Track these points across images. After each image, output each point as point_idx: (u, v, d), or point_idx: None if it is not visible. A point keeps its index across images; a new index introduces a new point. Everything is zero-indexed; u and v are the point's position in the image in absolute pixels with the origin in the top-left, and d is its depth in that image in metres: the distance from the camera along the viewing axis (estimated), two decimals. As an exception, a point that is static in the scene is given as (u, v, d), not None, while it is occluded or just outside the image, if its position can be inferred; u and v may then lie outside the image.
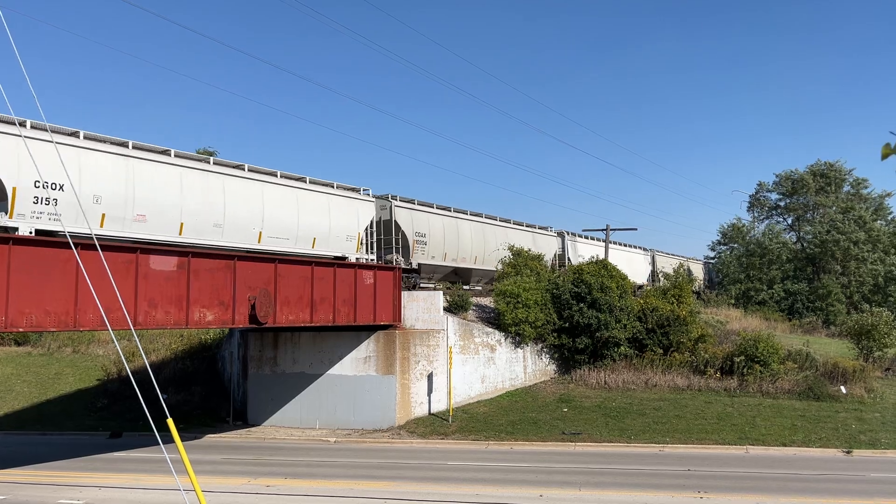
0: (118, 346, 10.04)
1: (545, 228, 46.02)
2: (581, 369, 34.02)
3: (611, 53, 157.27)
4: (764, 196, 69.16)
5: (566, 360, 34.82)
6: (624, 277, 36.11)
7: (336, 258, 28.14)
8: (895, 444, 25.22)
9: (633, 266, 54.16)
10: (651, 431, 27.27)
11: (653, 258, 61.79)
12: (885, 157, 3.14)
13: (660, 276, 57.03)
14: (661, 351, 34.39)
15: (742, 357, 31.93)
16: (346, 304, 28.00)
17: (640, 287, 51.85)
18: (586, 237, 51.77)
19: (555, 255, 45.89)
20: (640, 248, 60.09)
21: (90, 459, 25.15)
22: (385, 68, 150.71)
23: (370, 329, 30.19)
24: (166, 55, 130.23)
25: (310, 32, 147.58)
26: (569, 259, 46.95)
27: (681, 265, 61.11)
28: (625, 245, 56.79)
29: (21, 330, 18.95)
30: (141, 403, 9.25)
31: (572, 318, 33.62)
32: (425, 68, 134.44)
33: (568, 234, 48.94)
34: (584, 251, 48.42)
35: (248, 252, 24.43)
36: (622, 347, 33.84)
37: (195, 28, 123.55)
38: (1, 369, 39.61)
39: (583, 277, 34.32)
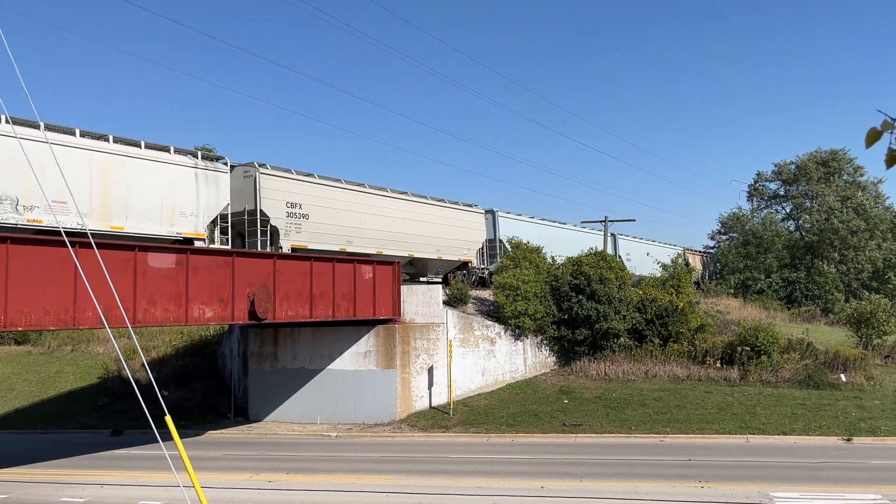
0: (116, 345, 10.05)
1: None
2: (581, 361, 34.06)
3: (606, 41, 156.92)
4: (763, 185, 69.13)
5: (566, 352, 34.85)
6: (623, 268, 36.11)
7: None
8: (895, 431, 25.29)
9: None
10: (651, 422, 27.32)
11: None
12: (869, 144, 3.05)
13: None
14: (660, 342, 34.41)
15: (745, 347, 31.95)
16: (346, 298, 28.02)
17: None
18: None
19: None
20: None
21: (92, 457, 25.18)
22: (353, 51, 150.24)
23: (370, 323, 30.21)
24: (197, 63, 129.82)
25: (289, 20, 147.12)
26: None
27: (678, 255, 61.40)
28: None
29: (20, 329, 18.98)
30: (140, 401, 9.25)
31: (571, 309, 33.63)
32: (411, 55, 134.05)
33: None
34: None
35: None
36: (622, 339, 33.86)
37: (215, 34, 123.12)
38: (1, 368, 39.64)
39: (581, 269, 34.31)
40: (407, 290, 31.26)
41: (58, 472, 22.33)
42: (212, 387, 35.07)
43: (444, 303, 31.97)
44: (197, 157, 23.60)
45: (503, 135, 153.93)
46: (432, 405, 30.47)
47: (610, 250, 49.08)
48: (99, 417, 32.74)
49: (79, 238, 17.00)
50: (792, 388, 30.17)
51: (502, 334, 33.41)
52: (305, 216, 26.98)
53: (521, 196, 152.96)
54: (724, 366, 32.17)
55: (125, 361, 10.63)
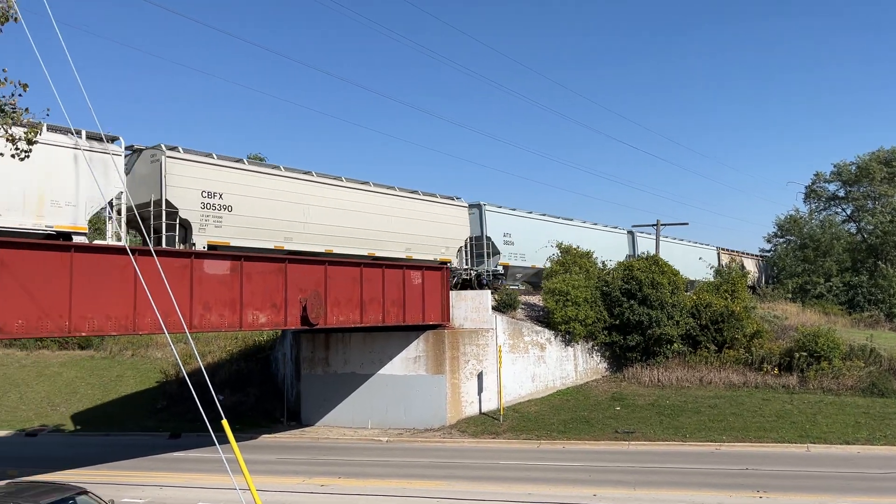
0: (174, 350, 10.33)
1: (615, 228, 47.67)
2: (633, 367, 33.59)
3: (653, 41, 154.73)
4: (821, 186, 67.11)
5: (618, 358, 34.42)
6: (676, 273, 35.47)
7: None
8: (966, 441, 24.19)
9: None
10: (707, 430, 26.74)
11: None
12: None
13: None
14: (715, 348, 33.69)
15: (804, 353, 31.01)
16: (395, 304, 28.23)
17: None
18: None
19: (626, 255, 46.22)
20: (703, 244, 60.27)
21: (151, 459, 25.89)
22: (397, 57, 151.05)
23: (419, 329, 30.36)
24: (229, 67, 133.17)
25: (322, 23, 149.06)
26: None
27: (732, 259, 59.58)
28: (691, 242, 56.96)
29: (84, 334, 19.63)
30: (197, 405, 9.48)
31: (623, 315, 33.21)
32: (450, 57, 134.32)
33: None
34: (646, 246, 49.15)
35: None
36: (675, 344, 33.27)
37: (247, 36, 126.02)
38: (66, 372, 41.10)
39: (633, 274, 33.85)
40: (456, 296, 31.32)
41: (119, 474, 23.03)
42: (265, 391, 35.71)
43: (494, 308, 31.92)
44: (80, 137, 19.70)
45: (539, 136, 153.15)
46: (482, 411, 30.42)
47: (629, 250, 47.60)
48: (158, 420, 33.65)
49: (138, 246, 17.52)
50: (855, 395, 29.15)
51: (552, 340, 33.17)
52: (227, 208, 23.26)
53: (567, 200, 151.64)
54: (783, 372, 31.28)
55: (182, 366, 10.91)
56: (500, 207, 36.96)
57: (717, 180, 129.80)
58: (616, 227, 47.92)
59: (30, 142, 13.03)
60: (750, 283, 54.42)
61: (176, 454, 26.86)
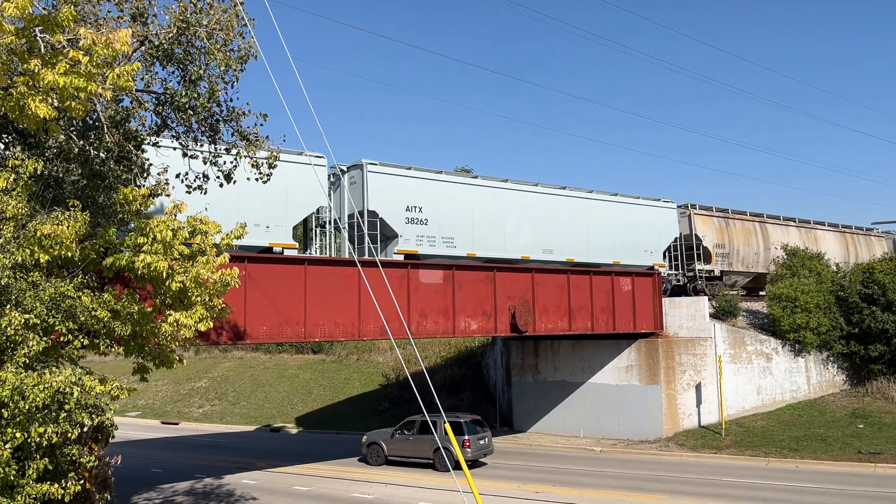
0: (399, 354, 11.03)
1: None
2: (878, 381, 30.01)
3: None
4: None
5: (858, 371, 30.95)
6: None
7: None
8: None
9: None
10: (976, 455, 23.13)
11: None
12: None
13: None
14: None
15: None
16: (605, 311, 27.70)
17: None
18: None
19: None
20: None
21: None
22: (617, 63, 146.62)
23: (630, 337, 29.51)
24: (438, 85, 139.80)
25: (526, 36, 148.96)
26: None
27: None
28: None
29: (316, 340, 21.53)
30: (420, 407, 9.98)
31: (862, 322, 29.81)
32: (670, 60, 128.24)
33: None
34: None
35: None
36: (930, 356, 29.21)
37: (444, 51, 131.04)
38: (302, 374, 45.26)
39: (874, 276, 30.28)
40: (669, 303, 30.06)
41: (349, 470, 24.84)
42: (477, 396, 36.69)
43: (711, 315, 30.19)
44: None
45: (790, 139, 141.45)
46: (701, 424, 28.82)
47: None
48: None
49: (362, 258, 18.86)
50: None
51: (779, 350, 30.63)
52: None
53: (800, 199, 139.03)
54: None
55: (406, 369, 11.57)
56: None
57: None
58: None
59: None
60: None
61: (398, 454, 28.37)
